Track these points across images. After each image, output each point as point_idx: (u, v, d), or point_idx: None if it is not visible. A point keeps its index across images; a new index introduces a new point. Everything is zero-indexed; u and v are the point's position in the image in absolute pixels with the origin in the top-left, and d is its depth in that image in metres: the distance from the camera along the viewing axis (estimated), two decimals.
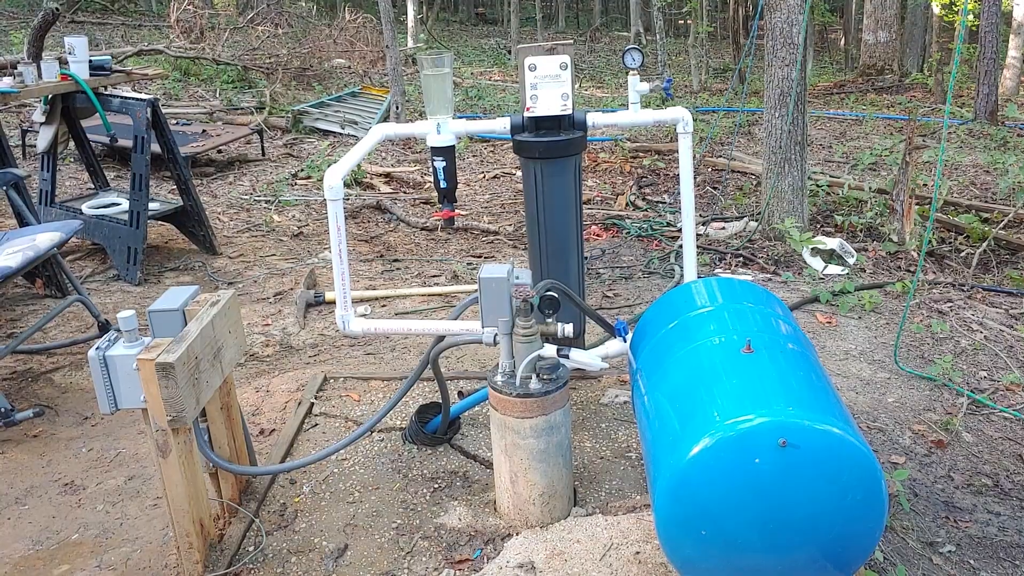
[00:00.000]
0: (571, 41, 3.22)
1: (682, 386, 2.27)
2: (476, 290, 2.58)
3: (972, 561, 2.78)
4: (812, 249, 5.46)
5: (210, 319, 2.49)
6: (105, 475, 3.19)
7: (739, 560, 2.05)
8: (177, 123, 8.76)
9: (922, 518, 2.96)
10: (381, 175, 7.86)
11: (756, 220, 6.04)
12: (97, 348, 2.32)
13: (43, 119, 5.33)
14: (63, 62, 5.18)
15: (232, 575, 2.53)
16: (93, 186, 5.85)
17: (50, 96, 5.21)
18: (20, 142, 7.85)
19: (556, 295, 2.57)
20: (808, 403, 2.04)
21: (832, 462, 1.94)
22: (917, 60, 14.68)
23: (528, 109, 3.10)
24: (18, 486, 3.13)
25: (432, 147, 3.17)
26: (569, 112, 3.12)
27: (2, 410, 3.35)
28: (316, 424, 3.37)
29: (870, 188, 6.57)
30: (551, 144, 3.11)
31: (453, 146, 3.19)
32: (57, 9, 5.15)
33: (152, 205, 5.39)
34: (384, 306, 4.78)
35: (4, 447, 3.37)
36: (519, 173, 5.87)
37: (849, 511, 1.98)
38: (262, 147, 8.56)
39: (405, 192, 7.45)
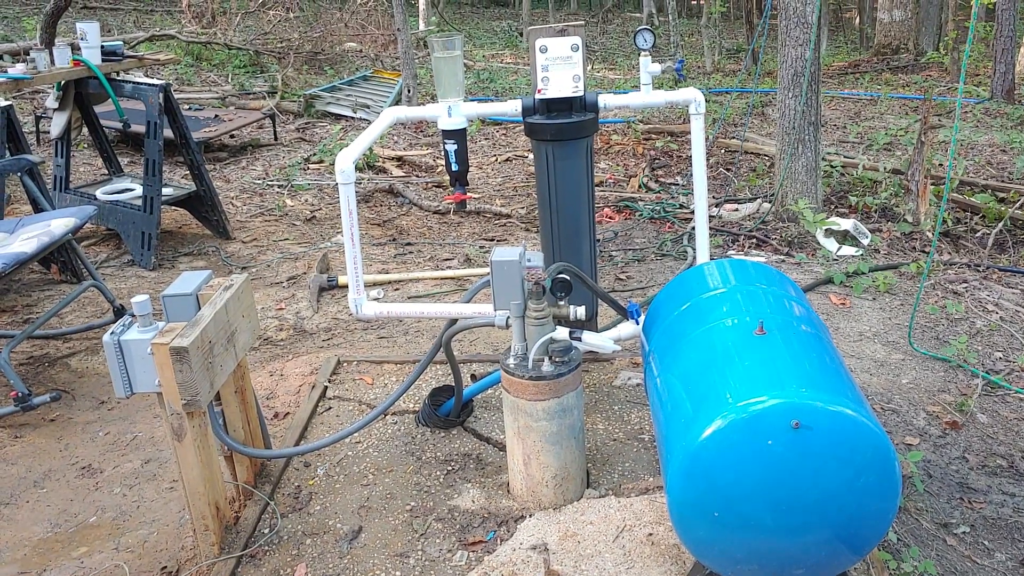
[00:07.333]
0: (583, 22, 3.20)
1: (695, 368, 2.26)
2: (488, 273, 2.58)
3: (986, 542, 2.78)
4: (826, 230, 5.43)
5: (224, 303, 2.50)
6: (122, 458, 3.22)
7: (752, 541, 2.05)
8: (189, 108, 8.77)
9: (936, 499, 2.95)
10: (393, 159, 7.86)
11: (769, 201, 6.00)
12: (112, 333, 2.33)
13: (56, 105, 5.35)
14: (75, 48, 5.19)
15: (248, 557, 2.56)
16: (107, 172, 5.87)
17: (63, 82, 5.22)
18: (34, 128, 7.88)
19: (568, 278, 2.57)
20: (821, 385, 2.03)
21: (845, 444, 1.94)
22: (933, 39, 14.50)
23: (539, 91, 3.09)
24: (36, 470, 3.16)
25: (443, 130, 3.17)
26: (580, 94, 3.10)
27: (20, 395, 3.38)
28: (330, 407, 3.39)
29: (885, 168, 6.52)
30: (563, 126, 3.10)
31: (464, 129, 3.19)
32: None
33: (165, 190, 5.41)
34: (397, 290, 4.79)
35: (22, 431, 3.41)
36: (531, 156, 5.84)
37: (862, 493, 1.97)
38: (274, 132, 8.57)
39: (417, 175, 7.44)
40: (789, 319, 2.36)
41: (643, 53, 3.12)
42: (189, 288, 2.49)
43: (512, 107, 3.19)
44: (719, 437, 1.97)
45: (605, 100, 3.14)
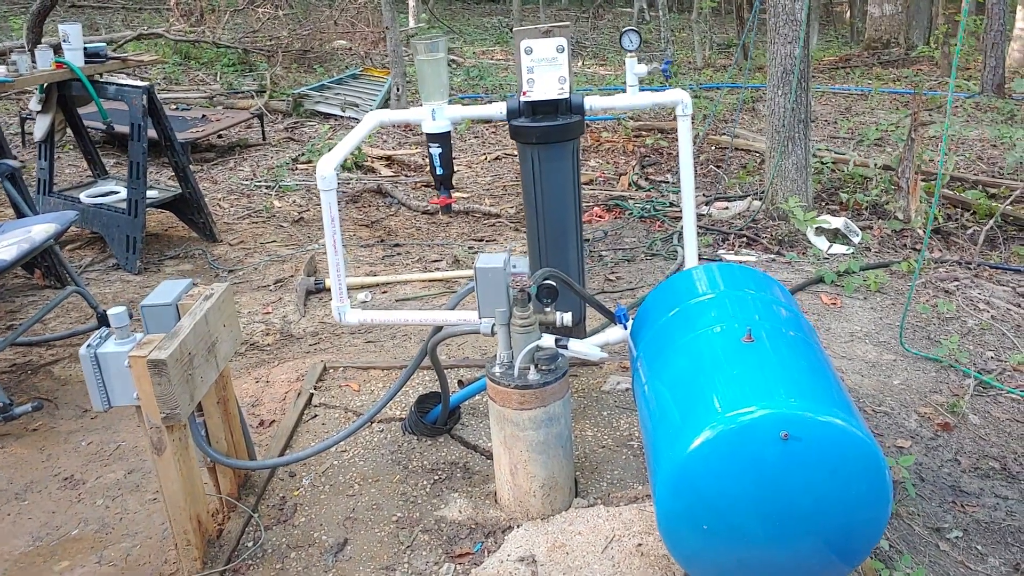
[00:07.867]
0: (568, 24, 3.18)
1: (683, 376, 2.23)
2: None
3: (979, 547, 2.75)
4: (816, 228, 5.40)
5: (204, 313, 2.46)
6: (105, 469, 3.17)
7: (742, 553, 2.02)
8: (177, 108, 8.70)
9: (928, 503, 2.92)
10: (382, 158, 7.80)
11: (760, 199, 5.97)
12: (88, 345, 2.29)
13: (40, 107, 5.29)
14: (58, 50, 5.13)
15: (231, 572, 2.52)
16: (92, 174, 5.81)
17: (45, 84, 5.16)
18: (19, 130, 7.81)
19: (554, 283, 2.53)
20: (810, 393, 2.00)
21: (835, 454, 1.91)
22: (924, 33, 14.48)
23: (524, 93, 3.05)
24: (18, 481, 3.12)
25: (427, 133, 3.12)
26: (566, 96, 3.06)
27: (1, 404, 3.33)
28: (316, 415, 3.35)
29: (875, 164, 6.49)
30: (548, 129, 3.06)
31: (449, 132, 3.14)
32: None
33: (150, 193, 5.35)
34: (385, 292, 4.75)
35: (3, 441, 3.36)
36: None
37: (853, 503, 1.95)
38: (263, 131, 8.50)
39: (406, 175, 7.39)
40: (778, 325, 2.33)
41: (629, 54, 3.08)
42: (168, 298, 2.45)
43: (497, 109, 3.14)
44: (707, 448, 1.94)
45: (591, 102, 3.10)
